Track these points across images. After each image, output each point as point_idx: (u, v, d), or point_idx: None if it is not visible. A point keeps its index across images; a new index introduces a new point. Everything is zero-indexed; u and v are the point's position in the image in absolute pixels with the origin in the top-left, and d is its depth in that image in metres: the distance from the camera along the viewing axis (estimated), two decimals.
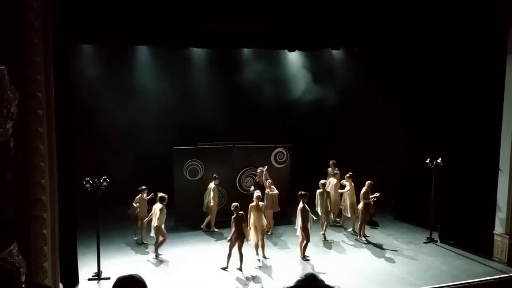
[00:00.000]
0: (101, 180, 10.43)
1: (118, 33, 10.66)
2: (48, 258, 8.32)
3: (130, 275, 3.54)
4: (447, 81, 12.90)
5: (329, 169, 14.83)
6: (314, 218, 12.24)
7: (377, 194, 13.00)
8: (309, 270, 11.06)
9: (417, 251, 12.51)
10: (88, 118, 14.62)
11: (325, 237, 13.32)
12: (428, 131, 13.86)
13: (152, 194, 12.52)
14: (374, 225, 14.48)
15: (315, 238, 12.57)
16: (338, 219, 14.50)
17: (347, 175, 14.03)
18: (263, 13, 10.59)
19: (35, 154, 8.05)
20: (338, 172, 14.32)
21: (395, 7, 11.19)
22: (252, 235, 11.64)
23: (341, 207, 14.25)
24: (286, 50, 15.55)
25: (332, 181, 14.32)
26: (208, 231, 13.62)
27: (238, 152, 14.75)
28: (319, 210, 13.24)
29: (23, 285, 5.69)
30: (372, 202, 13.11)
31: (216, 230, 13.62)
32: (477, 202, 12.21)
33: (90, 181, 10.32)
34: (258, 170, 13.77)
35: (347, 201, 13.90)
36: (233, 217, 11.14)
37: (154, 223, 11.69)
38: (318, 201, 13.23)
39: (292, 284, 3.48)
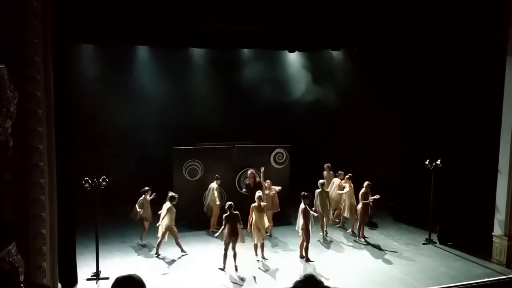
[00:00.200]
0: (100, 180, 10.42)
1: (117, 33, 10.64)
2: (47, 257, 8.32)
3: (129, 275, 3.55)
4: (447, 83, 12.91)
5: (324, 172, 14.74)
6: (315, 214, 12.32)
7: (377, 196, 13.01)
8: (308, 271, 11.06)
9: (416, 252, 12.50)
10: (87, 118, 14.64)
11: (326, 233, 13.43)
12: (427, 132, 13.86)
13: (154, 194, 12.52)
14: (373, 226, 14.48)
15: (314, 238, 12.56)
16: (337, 220, 14.50)
17: (347, 176, 14.04)
18: (263, 13, 10.59)
19: (34, 154, 8.06)
20: (342, 172, 14.28)
21: (395, 8, 11.21)
22: (253, 235, 11.66)
23: (340, 205, 14.25)
24: (286, 51, 15.54)
25: (335, 181, 14.34)
26: (215, 231, 13.52)
27: (238, 152, 14.75)
28: (320, 209, 13.24)
29: (22, 285, 5.69)
30: (371, 203, 13.12)
31: (216, 230, 13.59)
32: (476, 204, 12.22)
33: (89, 181, 10.31)
34: (249, 172, 13.73)
35: (346, 202, 13.90)
36: (225, 215, 11.20)
37: (165, 222, 11.69)
38: (317, 201, 13.23)
39: (291, 285, 3.48)
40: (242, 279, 10.76)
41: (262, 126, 16.46)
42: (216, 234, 11.37)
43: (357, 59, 16.26)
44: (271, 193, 13.31)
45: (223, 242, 11.31)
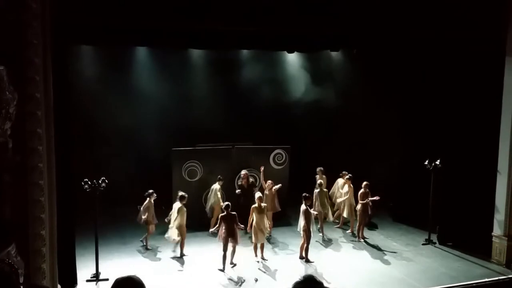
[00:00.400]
0: (100, 181, 10.42)
1: (117, 34, 10.64)
2: (46, 259, 8.31)
3: (129, 276, 3.55)
4: (446, 83, 12.91)
5: (317, 176, 14.58)
6: (315, 213, 12.37)
7: (376, 198, 13.02)
8: (308, 271, 11.06)
9: (415, 253, 12.51)
10: (86, 119, 14.62)
11: (323, 235, 13.46)
12: (426, 132, 13.87)
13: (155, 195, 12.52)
14: (372, 226, 14.48)
15: (314, 239, 12.54)
16: (337, 220, 14.50)
17: (346, 176, 14.05)
18: (262, 14, 10.59)
19: (34, 155, 8.04)
20: (346, 172, 14.27)
21: (395, 9, 11.21)
22: (253, 236, 11.67)
23: (339, 202, 14.26)
24: (285, 52, 15.54)
25: (339, 181, 14.35)
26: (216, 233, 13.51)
27: (237, 153, 14.75)
28: (321, 209, 13.26)
29: (22, 286, 5.68)
30: (370, 203, 13.12)
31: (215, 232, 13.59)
32: (475, 204, 12.22)
33: (89, 182, 10.32)
34: (242, 173, 13.67)
35: (345, 202, 13.91)
36: (221, 215, 11.24)
37: (178, 222, 11.70)
38: (317, 201, 13.23)
39: (291, 286, 3.49)
40: (242, 280, 10.75)
41: (262, 127, 16.47)
42: (211, 230, 11.42)
43: (356, 59, 16.26)
44: (272, 192, 13.30)
45: (221, 243, 11.31)
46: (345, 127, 16.92)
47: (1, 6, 7.59)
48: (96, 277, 10.61)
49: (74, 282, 10.34)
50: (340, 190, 14.22)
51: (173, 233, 11.82)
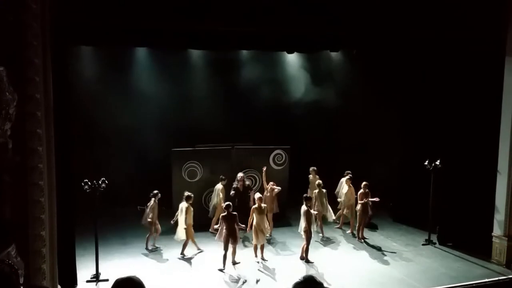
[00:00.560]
0: (100, 182, 10.42)
1: (117, 34, 10.65)
2: (46, 260, 8.31)
3: (129, 277, 3.55)
4: (446, 83, 12.91)
5: (310, 176, 14.58)
6: (315, 212, 12.39)
7: (376, 199, 13.03)
8: (308, 272, 11.06)
9: (415, 253, 12.50)
10: (86, 120, 14.64)
11: (322, 233, 13.51)
12: (426, 133, 13.86)
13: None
14: (372, 227, 14.47)
15: (314, 239, 12.54)
16: (337, 221, 14.49)
17: (347, 177, 14.05)
18: (262, 14, 10.60)
19: (34, 156, 8.04)
20: (349, 172, 14.26)
21: (394, 9, 11.22)
22: (253, 237, 11.68)
23: (340, 200, 14.28)
24: (285, 52, 15.55)
25: (343, 180, 14.36)
26: (214, 233, 13.49)
27: (237, 153, 14.75)
28: (321, 209, 13.26)
29: (22, 287, 5.68)
30: (370, 203, 13.12)
31: (214, 232, 13.59)
32: (475, 204, 12.22)
33: (89, 183, 10.31)
34: (239, 176, 13.54)
35: (345, 202, 13.92)
36: (222, 215, 11.27)
37: (188, 222, 11.74)
38: (317, 201, 13.24)
39: (291, 286, 3.49)
40: (242, 281, 10.75)
41: (261, 127, 16.47)
42: (211, 229, 11.47)
43: (356, 60, 16.26)
44: (273, 194, 13.30)
45: (222, 243, 11.32)
46: (345, 128, 16.93)
47: (1, 6, 7.59)
48: (96, 278, 10.60)
49: (74, 282, 10.33)
50: (342, 191, 14.23)
51: (181, 233, 11.86)
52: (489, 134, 11.90)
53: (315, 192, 13.39)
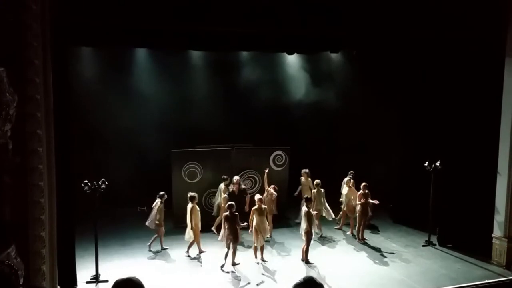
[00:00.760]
0: (100, 183, 10.41)
1: (117, 35, 10.65)
2: (46, 260, 8.30)
3: (128, 278, 3.55)
4: (446, 84, 12.91)
5: (302, 178, 14.49)
6: (315, 212, 12.38)
7: (376, 202, 13.02)
8: (308, 273, 11.05)
9: (415, 254, 12.49)
10: (86, 120, 14.64)
11: (320, 231, 13.55)
12: (426, 134, 13.86)
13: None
14: (372, 228, 14.46)
15: (312, 240, 12.53)
16: (338, 222, 14.48)
17: (347, 178, 14.05)
18: (262, 16, 10.60)
19: (34, 156, 8.04)
20: (353, 172, 14.25)
21: (394, 9, 11.22)
22: (253, 238, 11.67)
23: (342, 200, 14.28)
24: (285, 53, 15.55)
25: (345, 180, 14.36)
26: (214, 232, 13.47)
27: (237, 154, 14.74)
28: (319, 208, 13.26)
29: None
30: (370, 203, 13.12)
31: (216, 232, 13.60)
32: (475, 205, 12.21)
33: (89, 184, 10.31)
34: (234, 180, 13.41)
35: (346, 203, 13.94)
36: (225, 214, 11.27)
37: (193, 223, 11.77)
38: (314, 200, 13.24)
39: (291, 287, 3.48)
40: (243, 281, 10.75)
41: (262, 128, 16.47)
42: (219, 238, 11.49)
43: (356, 60, 16.27)
44: (272, 198, 13.26)
45: (222, 243, 11.35)
46: (345, 128, 16.94)
47: (1, 7, 7.59)
48: (95, 279, 10.59)
49: (74, 283, 10.32)
50: (343, 191, 14.22)
51: (191, 233, 11.92)
52: (489, 135, 11.89)
53: (313, 192, 13.42)
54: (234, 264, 11.40)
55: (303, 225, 11.67)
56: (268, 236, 12.65)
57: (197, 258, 12.06)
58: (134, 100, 15.58)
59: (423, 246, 13.08)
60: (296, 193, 14.47)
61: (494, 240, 11.88)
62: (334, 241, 13.51)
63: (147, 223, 12.20)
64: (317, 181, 13.62)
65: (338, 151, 16.78)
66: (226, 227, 11.16)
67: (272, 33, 11.43)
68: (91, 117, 14.88)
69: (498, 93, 11.67)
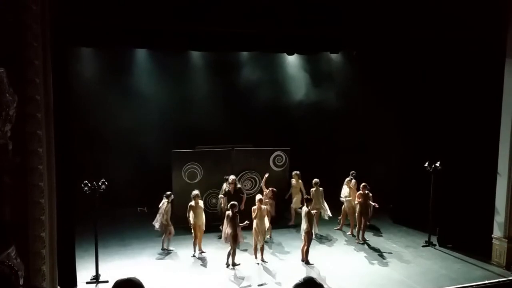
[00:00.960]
0: (100, 183, 10.41)
1: (117, 36, 10.65)
2: (46, 261, 8.31)
3: (128, 278, 3.55)
4: (446, 84, 12.91)
5: (293, 180, 14.40)
6: (314, 211, 12.33)
7: (375, 205, 13.01)
8: (308, 273, 11.05)
9: (415, 255, 12.49)
10: (86, 121, 14.64)
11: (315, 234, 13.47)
12: (426, 134, 13.85)
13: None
14: (372, 228, 14.44)
15: (313, 241, 12.54)
16: (338, 222, 14.48)
17: (348, 178, 14.05)
18: (262, 16, 10.60)
19: (34, 157, 8.05)
20: (354, 172, 14.26)
21: (394, 9, 11.22)
22: (253, 238, 11.67)
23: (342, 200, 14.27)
24: (285, 53, 15.55)
25: (347, 180, 14.35)
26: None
27: (237, 155, 14.74)
28: (318, 206, 13.26)
29: None
30: (371, 204, 13.11)
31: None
32: (475, 206, 12.20)
33: (89, 184, 10.31)
34: (230, 179, 13.31)
35: (345, 203, 13.94)
36: (228, 213, 11.29)
37: (194, 221, 11.82)
38: (312, 200, 13.22)
39: (291, 287, 3.48)
40: (243, 280, 10.76)
41: (262, 129, 16.47)
42: (222, 237, 11.55)
43: (356, 61, 16.27)
44: (268, 204, 13.13)
45: (223, 243, 11.35)
46: (345, 129, 16.93)
47: (1, 7, 7.60)
48: (96, 279, 10.58)
49: (74, 284, 10.31)
50: (343, 192, 14.22)
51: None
52: (489, 135, 11.89)
53: (312, 191, 13.43)
54: (234, 264, 11.41)
55: (304, 225, 11.66)
56: (268, 237, 12.64)
57: (198, 258, 12.06)
58: (134, 100, 15.57)
59: (423, 246, 13.07)
60: (287, 196, 14.47)
61: (494, 241, 11.87)
62: (334, 241, 13.51)
63: (156, 227, 12.06)
64: (315, 180, 13.61)
65: (338, 151, 16.77)
66: (228, 226, 11.17)
67: (272, 33, 11.43)
68: (91, 117, 14.88)
69: (498, 93, 11.66)
